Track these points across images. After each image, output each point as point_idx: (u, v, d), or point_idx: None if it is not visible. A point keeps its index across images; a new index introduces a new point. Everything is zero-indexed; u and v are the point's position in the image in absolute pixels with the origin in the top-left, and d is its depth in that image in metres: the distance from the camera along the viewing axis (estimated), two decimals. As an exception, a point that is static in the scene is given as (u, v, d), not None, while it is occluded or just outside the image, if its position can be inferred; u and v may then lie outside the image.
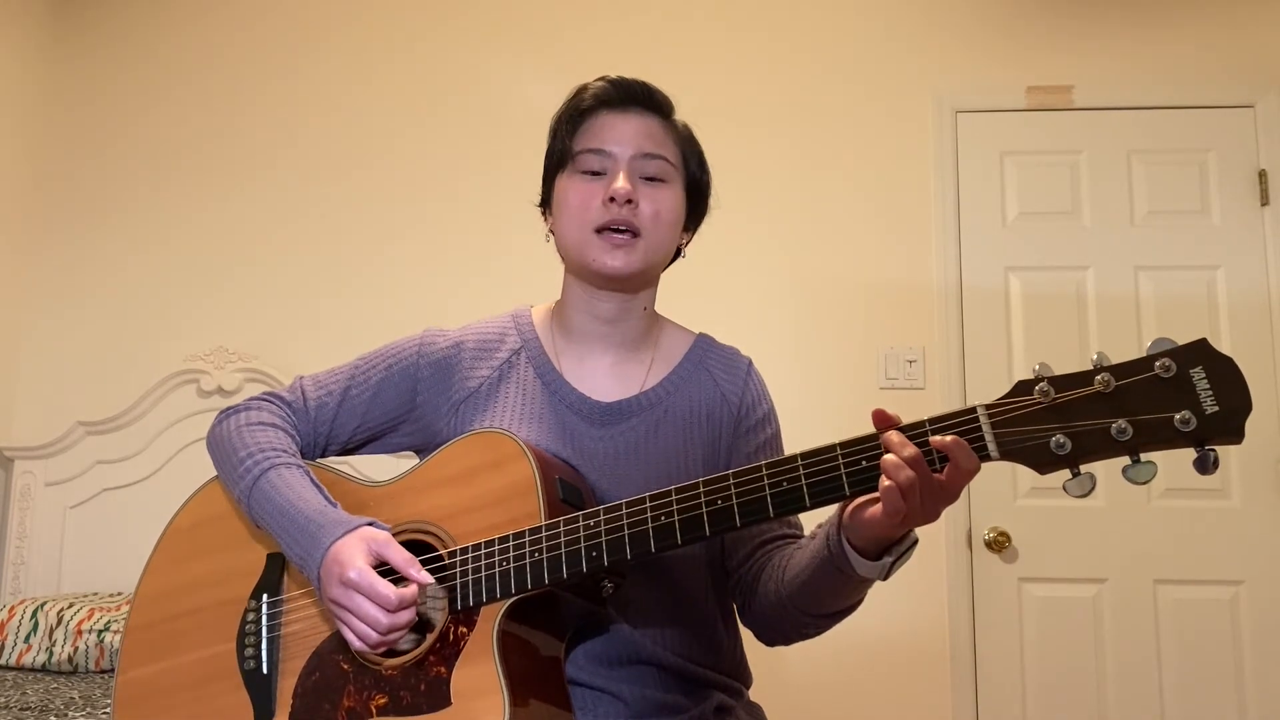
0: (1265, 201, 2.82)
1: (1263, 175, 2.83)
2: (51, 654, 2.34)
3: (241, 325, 3.00)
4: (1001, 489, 2.74)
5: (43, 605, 2.43)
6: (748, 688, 1.23)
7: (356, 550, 1.01)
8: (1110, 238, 2.86)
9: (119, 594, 2.67)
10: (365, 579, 0.99)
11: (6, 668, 2.37)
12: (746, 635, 1.24)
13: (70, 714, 1.93)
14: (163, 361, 2.95)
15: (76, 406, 2.95)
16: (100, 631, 2.34)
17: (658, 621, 1.12)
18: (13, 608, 2.44)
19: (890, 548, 0.96)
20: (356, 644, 1.01)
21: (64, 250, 3.11)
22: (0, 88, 3.00)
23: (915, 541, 0.97)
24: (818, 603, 1.06)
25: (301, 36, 3.17)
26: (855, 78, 3.00)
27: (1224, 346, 2.77)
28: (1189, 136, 2.88)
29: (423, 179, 3.06)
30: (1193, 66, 2.91)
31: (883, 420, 0.90)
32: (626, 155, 1.16)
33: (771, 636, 1.17)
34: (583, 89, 1.21)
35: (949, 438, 0.87)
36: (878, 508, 0.91)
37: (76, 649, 2.33)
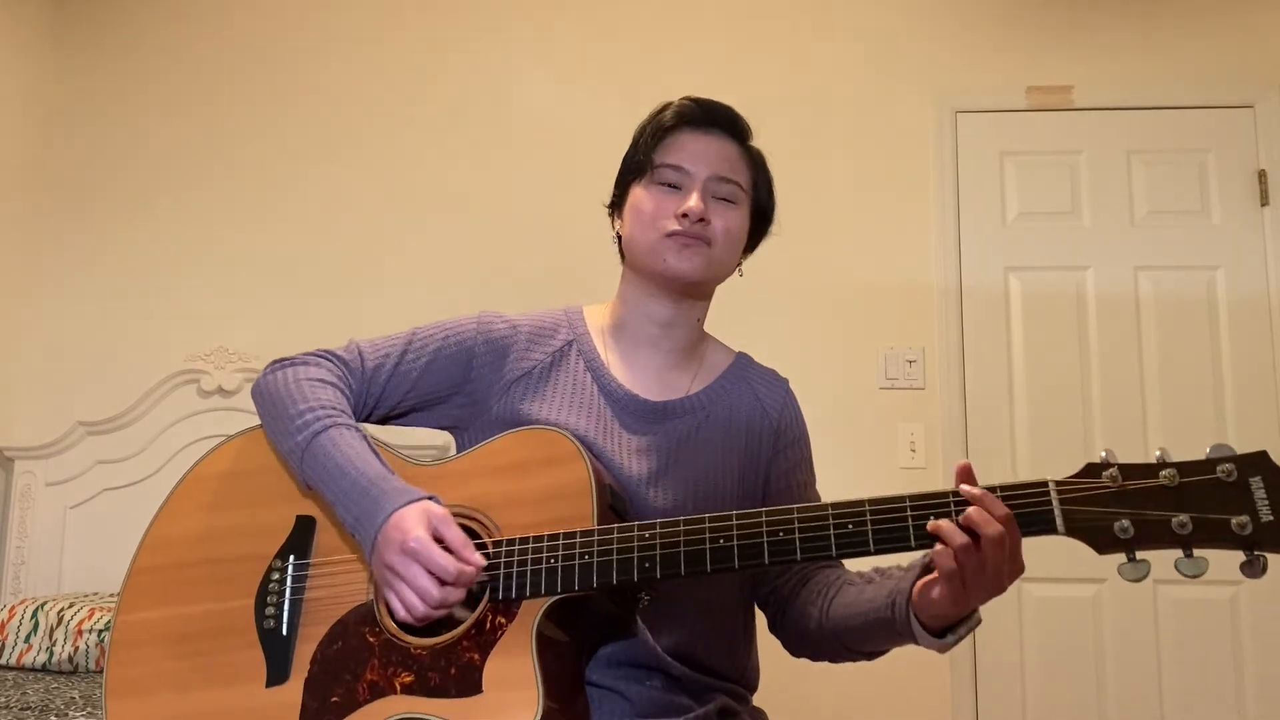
0: (1265, 201, 2.82)
1: (1262, 175, 2.83)
2: (52, 654, 2.34)
3: (241, 325, 3.00)
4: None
5: (43, 605, 2.43)
6: (753, 691, 1.24)
7: (418, 521, 1.01)
8: (1110, 238, 2.86)
9: (119, 594, 2.67)
10: (426, 549, 0.99)
11: (6, 668, 2.36)
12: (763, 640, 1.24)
13: (70, 714, 1.93)
14: (163, 361, 2.95)
15: (76, 406, 2.95)
16: (101, 631, 2.34)
17: (680, 633, 1.12)
18: (13, 608, 2.43)
19: (955, 626, 0.99)
20: (401, 613, 1.00)
21: (64, 250, 3.11)
22: (1, 88, 3.00)
23: (979, 621, 1.00)
24: (864, 643, 1.10)
25: (302, 37, 3.17)
26: (855, 78, 3.00)
27: (1224, 347, 2.77)
28: (1189, 136, 2.88)
29: (423, 180, 3.06)
30: (1193, 66, 2.91)
31: (964, 478, 0.94)
32: (702, 175, 1.20)
33: (802, 653, 1.20)
34: (667, 105, 1.26)
35: (970, 509, 0.91)
36: (941, 588, 0.95)
37: (77, 649, 2.33)
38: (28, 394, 3.04)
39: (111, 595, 2.65)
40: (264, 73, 3.16)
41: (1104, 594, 2.70)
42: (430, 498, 1.05)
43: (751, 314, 2.87)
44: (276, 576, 1.11)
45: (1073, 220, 2.89)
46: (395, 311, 2.94)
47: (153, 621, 1.13)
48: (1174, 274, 2.82)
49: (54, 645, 2.34)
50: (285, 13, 3.19)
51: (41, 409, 3.01)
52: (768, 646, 1.25)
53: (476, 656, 0.99)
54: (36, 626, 2.37)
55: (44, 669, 2.35)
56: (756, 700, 1.24)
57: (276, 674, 1.06)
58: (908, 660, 2.68)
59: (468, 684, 0.98)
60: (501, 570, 1.02)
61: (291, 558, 1.12)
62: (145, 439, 2.90)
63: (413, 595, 0.99)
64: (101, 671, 2.32)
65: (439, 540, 1.01)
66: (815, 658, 1.17)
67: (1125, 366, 2.78)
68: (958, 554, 0.91)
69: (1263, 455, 0.87)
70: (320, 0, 3.19)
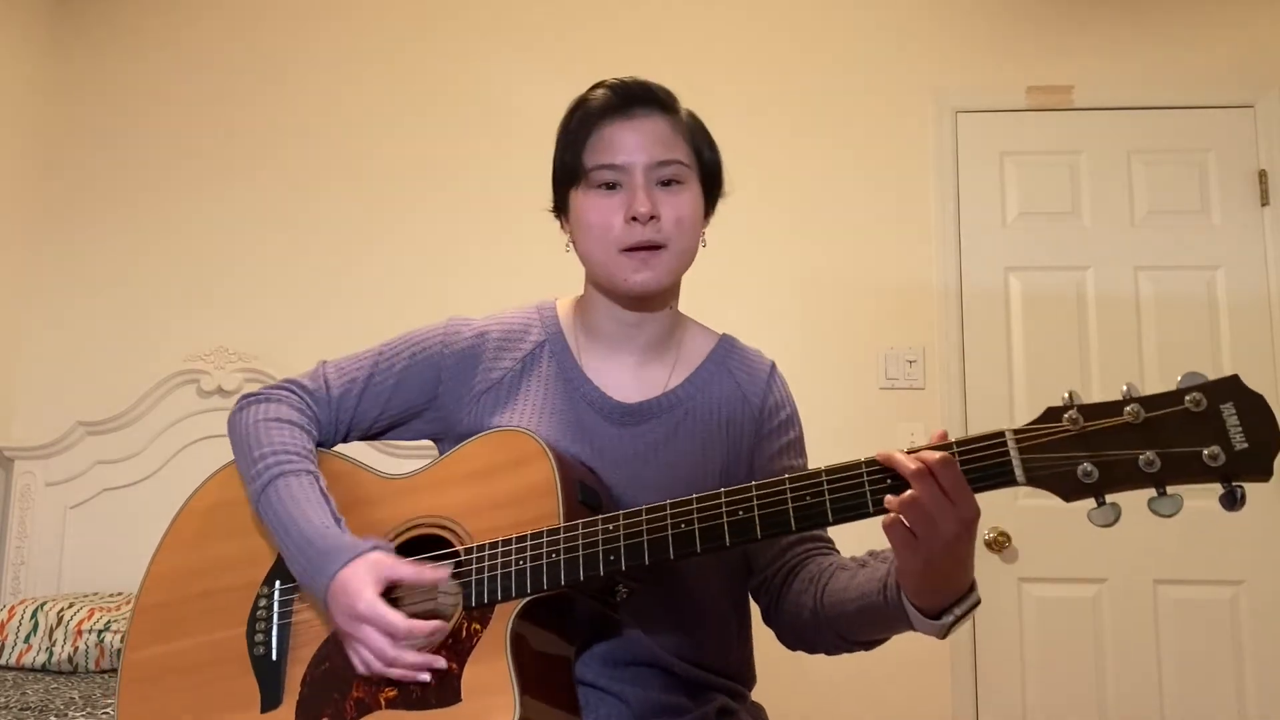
0: (1265, 201, 2.82)
1: (1263, 175, 2.83)
2: (51, 654, 2.34)
3: (241, 325, 3.00)
4: (1002, 489, 2.74)
5: (43, 605, 2.43)
6: (751, 688, 1.23)
7: (365, 581, 1.00)
8: (1110, 238, 2.86)
9: (119, 594, 2.67)
10: (374, 612, 0.99)
11: (6, 668, 2.36)
12: (759, 625, 1.24)
13: (70, 714, 1.93)
14: (163, 361, 2.95)
15: (76, 406, 2.95)
16: (100, 631, 2.34)
17: (668, 626, 1.12)
18: (13, 608, 2.43)
19: (951, 607, 0.95)
20: (362, 670, 1.01)
21: (64, 250, 3.11)
22: (0, 87, 3.00)
23: (978, 601, 0.97)
24: (860, 632, 1.07)
25: (301, 36, 3.17)
26: (855, 78, 3.00)
27: (1224, 347, 2.77)
28: (1189, 136, 2.88)
29: (422, 178, 3.06)
30: (1193, 66, 2.91)
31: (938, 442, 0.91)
32: (640, 166, 1.14)
33: (798, 646, 1.17)
34: (584, 100, 1.19)
35: (895, 455, 0.89)
36: (896, 551, 0.92)
37: (76, 649, 2.33)
38: (28, 394, 3.04)
39: (111, 595, 2.65)
40: (264, 72, 3.16)
41: (1104, 594, 2.70)
42: (375, 546, 1.04)
43: (751, 314, 2.87)
44: (264, 603, 1.13)
45: (1073, 220, 2.89)
46: (397, 310, 2.94)
47: (157, 657, 1.16)
48: (1174, 274, 2.82)
49: (53, 645, 2.34)
50: (285, 12, 3.19)
51: (41, 409, 3.01)
52: (766, 645, 1.25)
53: (455, 665, 1.00)
54: (36, 627, 2.37)
55: (44, 669, 2.35)
56: (755, 699, 1.24)
57: (270, 699, 1.07)
58: (908, 660, 2.69)
59: (448, 693, 0.98)
60: (473, 577, 1.02)
61: (277, 583, 1.13)
62: (145, 439, 2.89)
63: (369, 655, 1.00)
64: (101, 672, 2.33)
65: (395, 587, 1.02)
66: (812, 650, 1.15)
67: (1125, 366, 2.78)
68: (900, 510, 0.88)
69: (1234, 380, 0.82)
70: (321, 4, 3.19)
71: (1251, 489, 0.82)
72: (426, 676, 1.00)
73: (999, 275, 2.88)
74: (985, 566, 2.74)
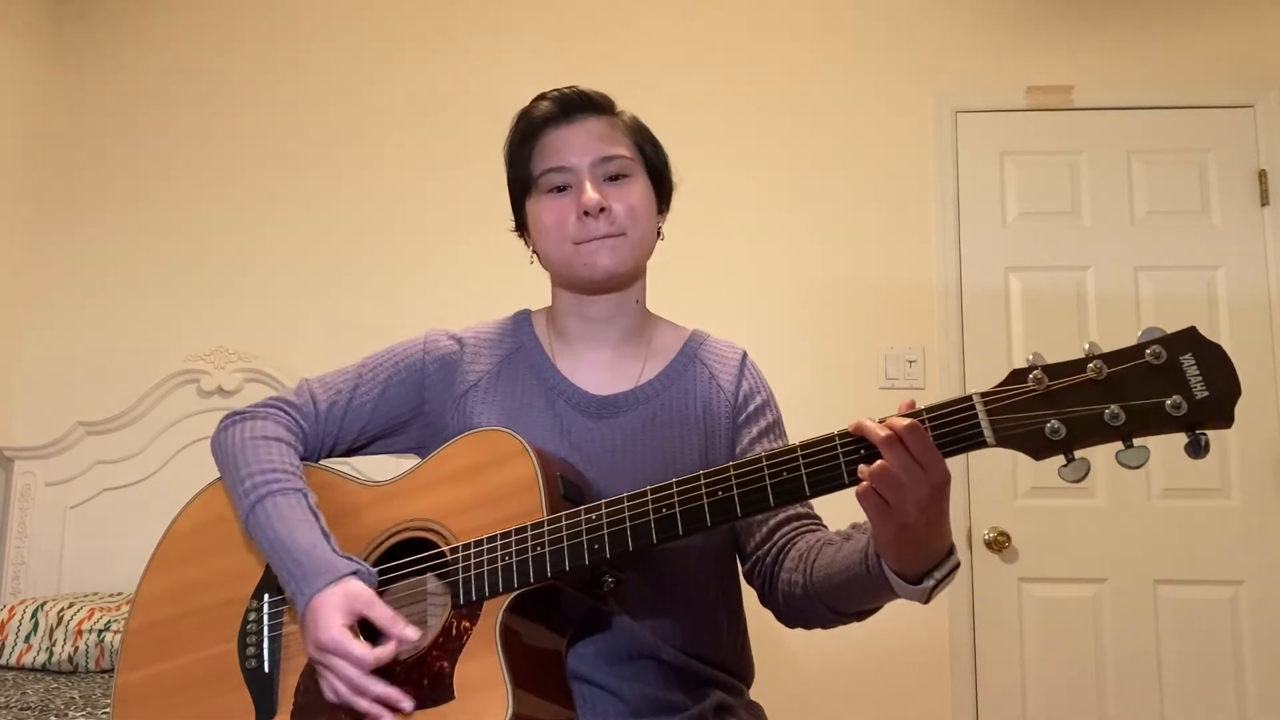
0: (1265, 201, 2.82)
1: (1263, 175, 2.83)
2: (51, 654, 2.34)
3: (241, 325, 3.00)
4: (1001, 489, 2.75)
5: (43, 605, 2.43)
6: (749, 685, 1.24)
7: (335, 610, 1.01)
8: (1110, 238, 2.86)
9: (119, 594, 2.67)
10: (337, 646, 0.99)
11: (6, 668, 2.37)
12: (756, 624, 1.24)
13: (70, 714, 1.93)
14: (163, 361, 2.95)
15: (76, 406, 2.95)
16: (100, 631, 2.34)
17: (659, 614, 1.13)
18: (13, 608, 2.44)
19: (931, 571, 0.96)
20: (331, 698, 1.01)
21: (64, 250, 3.11)
22: (1, 88, 3.00)
23: (957, 565, 0.98)
24: (847, 603, 1.08)
25: (301, 36, 3.17)
26: (855, 77, 3.00)
27: (1224, 346, 2.77)
28: (1189, 136, 2.88)
29: (423, 178, 3.06)
30: (1193, 66, 2.91)
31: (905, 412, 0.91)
32: (586, 164, 1.19)
33: (794, 623, 1.18)
34: (524, 114, 1.24)
35: (866, 422, 0.90)
36: (871, 518, 0.93)
37: (77, 649, 2.33)
38: (28, 394, 3.04)
39: (111, 595, 2.65)
40: (265, 72, 3.16)
41: (1104, 594, 2.70)
42: (355, 572, 1.05)
43: (751, 314, 2.88)
44: (253, 616, 1.13)
45: (1073, 220, 2.89)
46: (397, 310, 2.94)
47: (149, 679, 1.16)
48: (1174, 274, 2.82)
49: (54, 645, 2.34)
50: (286, 14, 3.19)
51: (41, 409, 3.01)
52: (765, 644, 1.25)
53: (446, 664, 1.00)
54: (36, 626, 2.37)
55: (44, 669, 2.35)
56: (754, 698, 1.24)
57: (264, 711, 1.08)
58: (908, 660, 2.69)
59: (440, 692, 0.99)
60: (459, 575, 1.03)
61: (266, 595, 1.14)
62: (145, 439, 2.90)
63: (337, 683, 1.00)
64: (101, 672, 2.33)
65: (365, 622, 1.02)
66: (808, 626, 1.16)
67: (1125, 366, 2.77)
68: (872, 478, 0.89)
69: (1191, 331, 0.85)
70: (322, 4, 3.19)
71: (1251, 490, 0.83)
72: (390, 717, 0.99)
73: (999, 275, 2.88)
74: (985, 566, 2.74)
